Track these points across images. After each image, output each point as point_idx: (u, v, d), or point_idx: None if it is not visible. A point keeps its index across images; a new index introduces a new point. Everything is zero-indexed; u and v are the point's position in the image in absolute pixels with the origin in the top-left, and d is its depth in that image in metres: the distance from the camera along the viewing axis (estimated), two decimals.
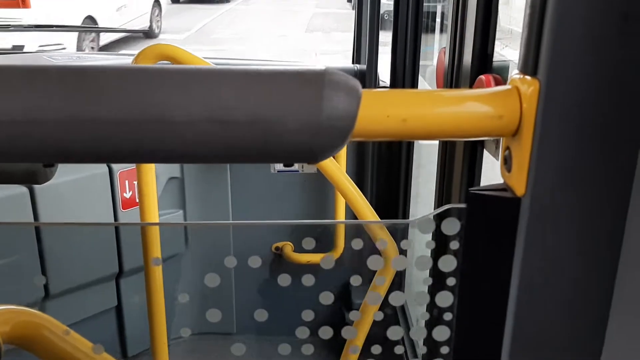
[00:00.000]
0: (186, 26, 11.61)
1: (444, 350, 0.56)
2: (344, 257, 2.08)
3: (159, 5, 10.56)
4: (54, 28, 2.88)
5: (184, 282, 2.21)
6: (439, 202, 1.36)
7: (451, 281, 0.52)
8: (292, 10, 14.12)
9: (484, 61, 1.15)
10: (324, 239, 2.14)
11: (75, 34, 7.04)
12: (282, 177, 2.17)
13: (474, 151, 1.17)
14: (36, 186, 1.77)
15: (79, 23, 7.27)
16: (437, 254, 0.53)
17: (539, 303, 0.47)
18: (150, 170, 1.47)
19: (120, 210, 1.97)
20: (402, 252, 0.57)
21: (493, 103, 0.44)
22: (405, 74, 1.89)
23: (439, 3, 2.17)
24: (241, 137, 0.41)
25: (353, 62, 2.25)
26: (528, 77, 0.43)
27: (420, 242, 0.56)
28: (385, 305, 0.61)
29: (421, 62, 1.89)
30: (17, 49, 4.48)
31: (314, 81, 0.41)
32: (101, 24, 7.89)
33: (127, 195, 1.98)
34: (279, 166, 2.13)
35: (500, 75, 1.12)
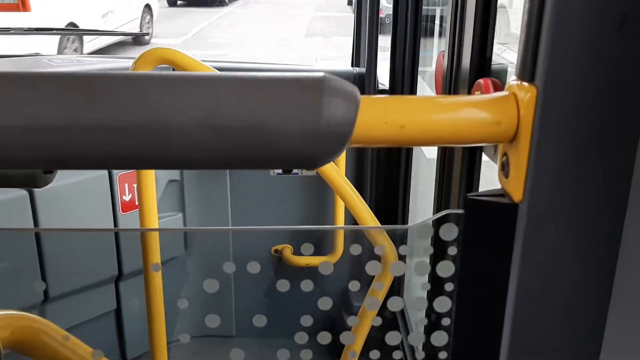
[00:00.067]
0: (183, 30, 11.38)
1: (442, 355, 0.56)
2: (343, 260, 2.08)
3: (150, 10, 10.01)
4: (54, 31, 2.89)
5: (184, 285, 2.21)
6: (437, 207, 1.36)
7: (449, 286, 0.52)
8: (291, 14, 13.98)
9: (482, 65, 1.16)
10: (323, 242, 2.14)
11: (56, 41, 6.66)
12: (281, 180, 2.17)
13: (472, 156, 1.17)
14: (36, 189, 1.77)
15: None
16: (435, 259, 0.53)
17: (536, 308, 0.47)
18: (150, 173, 1.48)
19: (120, 213, 1.97)
20: (401, 257, 0.58)
21: (491, 109, 0.44)
22: (404, 77, 1.90)
23: (438, 7, 2.17)
24: (240, 143, 0.41)
25: (352, 65, 2.25)
26: (525, 84, 0.43)
27: (419, 247, 0.56)
28: (384, 310, 0.61)
29: (420, 68, 1.89)
30: None
31: (312, 87, 0.41)
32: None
33: (127, 198, 1.98)
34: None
35: (499, 78, 1.12)
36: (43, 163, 0.42)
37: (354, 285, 0.57)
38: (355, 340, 1.29)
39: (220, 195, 2.19)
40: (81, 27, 7.26)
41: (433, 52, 2.15)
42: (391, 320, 1.87)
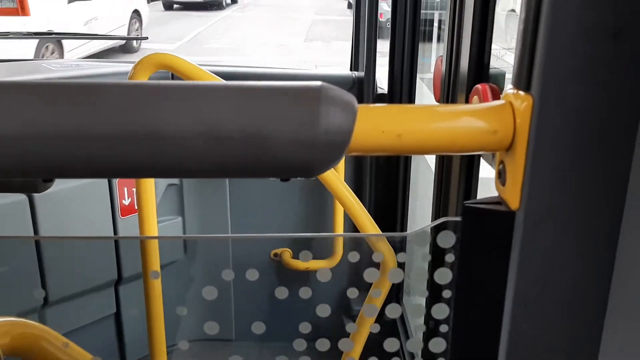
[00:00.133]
0: (178, 34, 11.10)
1: None
2: (342, 263, 2.08)
3: (139, 16, 9.43)
4: (53, 35, 2.89)
5: (183, 288, 2.21)
6: (436, 214, 1.36)
7: (447, 293, 0.53)
8: (290, 17, 13.81)
9: (480, 70, 1.16)
10: (322, 245, 2.14)
11: (33, 48, 6.21)
12: (280, 184, 2.16)
13: (470, 163, 1.18)
14: (35, 194, 1.77)
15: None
16: (433, 266, 0.53)
17: (533, 315, 0.47)
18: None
19: (119, 217, 1.97)
20: (400, 264, 0.58)
21: (487, 118, 0.45)
22: (403, 81, 1.90)
23: (437, 10, 2.18)
24: (237, 152, 0.41)
25: (351, 69, 2.25)
26: (522, 93, 0.44)
27: (417, 254, 0.56)
28: (383, 316, 0.61)
29: (418, 75, 1.90)
30: None
31: (310, 97, 0.41)
32: (65, 40, 6.91)
33: (126, 202, 1.99)
34: None
35: (497, 83, 1.13)
36: (44, 172, 0.42)
37: (353, 293, 0.57)
38: (353, 347, 1.29)
39: (219, 199, 2.19)
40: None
41: (432, 59, 2.16)
42: (390, 326, 1.87)
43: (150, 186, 1.50)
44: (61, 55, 6.98)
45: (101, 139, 0.40)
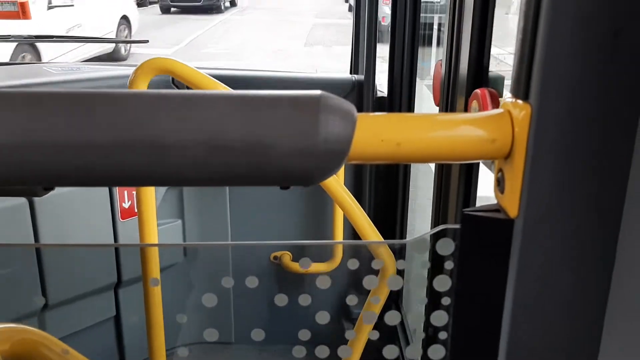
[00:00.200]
0: (176, 39, 10.82)
1: None
2: (342, 266, 2.08)
3: (128, 22, 8.81)
4: (54, 39, 2.90)
5: (183, 291, 2.21)
6: (435, 221, 1.37)
7: (446, 300, 0.53)
8: (290, 21, 13.62)
9: (479, 74, 1.16)
10: (322, 248, 2.14)
11: (7, 57, 5.75)
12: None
13: (469, 171, 1.18)
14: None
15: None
16: (432, 273, 0.53)
17: (532, 323, 0.48)
18: None
19: (119, 220, 1.97)
20: (399, 271, 0.58)
21: (486, 127, 0.45)
22: (402, 84, 1.90)
23: (436, 14, 2.18)
24: (237, 161, 0.41)
25: (351, 73, 2.26)
26: (520, 101, 0.44)
27: (417, 262, 0.56)
28: (382, 322, 0.62)
29: (418, 80, 1.90)
30: None
31: (309, 106, 0.41)
32: (43, 49, 6.33)
33: (126, 205, 1.99)
34: None
35: (496, 87, 1.13)
36: (46, 181, 0.42)
37: (352, 300, 0.57)
38: (352, 354, 1.29)
39: (219, 201, 2.20)
40: (39, 44, 6.32)
41: (431, 63, 2.16)
42: (390, 332, 1.87)
43: (150, 189, 1.50)
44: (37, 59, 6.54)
45: (102, 149, 0.40)
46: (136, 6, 9.72)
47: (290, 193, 2.18)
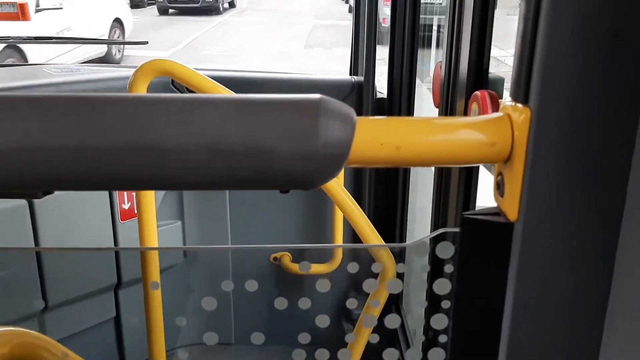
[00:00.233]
0: (174, 40, 10.60)
1: None
2: (342, 267, 2.08)
3: (121, 25, 8.47)
4: (53, 40, 2.90)
5: (183, 292, 2.21)
6: (435, 224, 1.36)
7: (446, 304, 0.53)
8: (290, 22, 13.43)
9: (479, 76, 1.16)
10: (322, 249, 2.14)
11: None
12: None
13: (469, 174, 1.18)
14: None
15: None
16: (433, 276, 0.53)
17: (532, 326, 0.48)
18: None
19: (119, 221, 1.97)
20: (399, 274, 0.58)
21: (485, 131, 0.45)
22: (402, 86, 1.90)
23: (436, 16, 2.18)
24: (236, 165, 0.41)
25: (350, 74, 2.25)
26: (519, 105, 0.44)
27: (416, 265, 0.56)
28: (382, 325, 0.62)
29: (417, 81, 1.89)
30: None
31: (309, 110, 0.41)
32: (29, 54, 6.17)
33: (126, 206, 1.99)
34: None
35: (496, 89, 1.13)
36: (45, 186, 0.42)
37: (352, 303, 0.57)
38: (351, 357, 1.28)
39: (219, 202, 2.20)
40: (25, 49, 6.14)
41: (430, 67, 2.16)
42: (390, 335, 1.87)
43: (150, 191, 1.50)
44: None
45: (102, 153, 0.40)
46: (129, 8, 9.33)
47: (291, 194, 2.17)
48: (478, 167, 1.12)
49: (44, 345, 0.86)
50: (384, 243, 1.57)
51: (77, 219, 1.86)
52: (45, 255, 1.81)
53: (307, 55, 10.23)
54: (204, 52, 10.16)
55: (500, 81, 1.16)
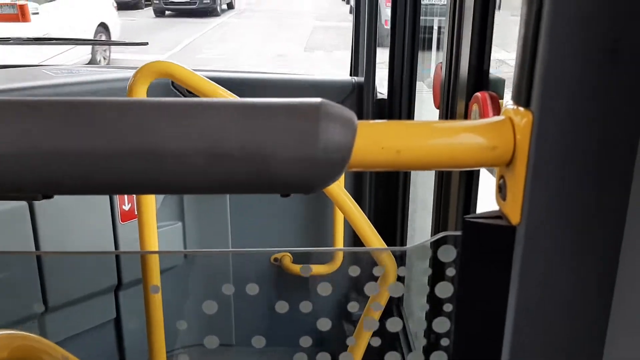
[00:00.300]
0: (170, 43, 10.35)
1: None
2: (342, 268, 2.08)
3: (107, 30, 8.04)
4: (53, 41, 2.90)
5: (183, 293, 2.20)
6: (435, 227, 1.36)
7: (448, 307, 0.53)
8: (289, 24, 13.21)
9: (480, 77, 1.16)
10: (323, 252, 2.14)
11: None
12: None
13: (470, 177, 1.18)
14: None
15: None
16: (434, 280, 0.53)
17: (535, 330, 0.47)
18: None
19: (119, 222, 1.97)
20: (400, 278, 0.58)
21: (487, 134, 0.45)
22: (402, 86, 1.90)
23: (436, 17, 2.18)
24: (237, 169, 0.41)
25: (351, 75, 2.25)
26: (521, 109, 0.44)
27: (418, 268, 0.56)
28: (383, 327, 0.61)
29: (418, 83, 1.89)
30: None
31: (309, 113, 0.41)
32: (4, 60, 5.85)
33: (126, 207, 1.98)
34: None
35: (496, 90, 1.13)
36: (44, 189, 0.42)
37: (354, 307, 0.57)
38: None
39: (219, 203, 2.19)
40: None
41: (431, 72, 2.15)
42: (391, 338, 1.87)
43: None
44: None
45: (102, 157, 0.40)
46: (116, 11, 8.73)
47: (291, 196, 2.17)
48: (479, 170, 1.12)
49: (44, 348, 0.86)
50: (385, 245, 1.57)
51: (77, 220, 1.86)
52: (45, 257, 1.81)
53: (307, 59, 10.06)
54: (201, 56, 9.96)
55: (501, 82, 1.16)
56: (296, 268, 2.13)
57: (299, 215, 2.21)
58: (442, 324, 0.53)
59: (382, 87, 2.12)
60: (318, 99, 0.42)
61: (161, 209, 2.07)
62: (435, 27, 2.17)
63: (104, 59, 8.17)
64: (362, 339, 1.28)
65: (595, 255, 0.45)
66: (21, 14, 2.05)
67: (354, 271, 0.54)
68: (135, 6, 15.73)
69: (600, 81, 0.41)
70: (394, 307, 2.05)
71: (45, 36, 6.26)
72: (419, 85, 1.93)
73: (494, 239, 0.47)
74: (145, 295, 1.54)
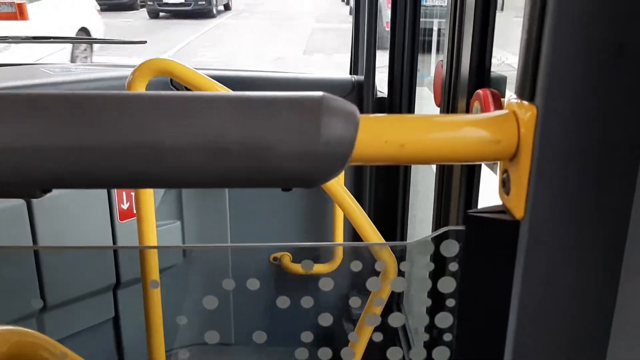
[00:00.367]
0: (165, 46, 10.11)
1: None
2: (343, 266, 2.08)
3: (88, 35, 7.68)
4: (51, 39, 2.89)
5: (182, 292, 2.20)
6: (437, 222, 1.36)
7: (450, 302, 0.52)
8: (288, 26, 12.99)
9: (481, 74, 1.16)
10: (323, 249, 2.14)
11: None
12: None
13: (471, 172, 1.18)
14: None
15: None
16: (436, 275, 0.53)
17: (538, 325, 0.47)
18: None
19: (118, 221, 1.96)
20: (401, 273, 0.57)
21: (491, 128, 0.44)
22: (402, 85, 1.90)
23: (436, 19, 2.18)
24: (238, 164, 0.41)
25: (351, 73, 2.25)
26: (525, 103, 0.44)
27: (419, 263, 0.56)
28: (384, 323, 0.61)
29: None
30: None
31: (311, 107, 0.41)
32: None
33: (125, 206, 1.98)
34: None
35: (498, 88, 1.13)
36: (43, 183, 0.42)
37: (355, 302, 0.56)
38: (354, 356, 1.28)
39: (218, 202, 2.19)
40: None
41: (431, 76, 2.15)
42: (391, 334, 1.86)
43: (149, 191, 1.49)
44: None
45: (100, 151, 0.39)
46: (99, 15, 8.28)
47: (291, 193, 2.17)
48: (480, 165, 1.12)
49: (43, 344, 0.86)
50: (385, 242, 1.57)
51: (75, 219, 1.86)
52: (43, 254, 1.80)
53: (307, 62, 9.88)
54: (197, 59, 9.76)
55: (502, 80, 1.15)
56: (296, 267, 2.13)
57: (299, 214, 2.21)
58: (444, 319, 0.53)
59: (381, 89, 2.12)
60: (320, 93, 0.42)
61: (160, 208, 2.06)
62: (435, 29, 2.17)
63: (90, 59, 7.80)
64: (363, 335, 1.27)
65: (600, 249, 0.45)
66: (19, 12, 2.04)
67: (356, 266, 0.54)
68: (130, 7, 15.57)
69: (604, 74, 0.41)
70: (394, 304, 2.05)
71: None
72: (419, 90, 1.93)
73: (497, 234, 0.47)
74: (144, 293, 1.53)
